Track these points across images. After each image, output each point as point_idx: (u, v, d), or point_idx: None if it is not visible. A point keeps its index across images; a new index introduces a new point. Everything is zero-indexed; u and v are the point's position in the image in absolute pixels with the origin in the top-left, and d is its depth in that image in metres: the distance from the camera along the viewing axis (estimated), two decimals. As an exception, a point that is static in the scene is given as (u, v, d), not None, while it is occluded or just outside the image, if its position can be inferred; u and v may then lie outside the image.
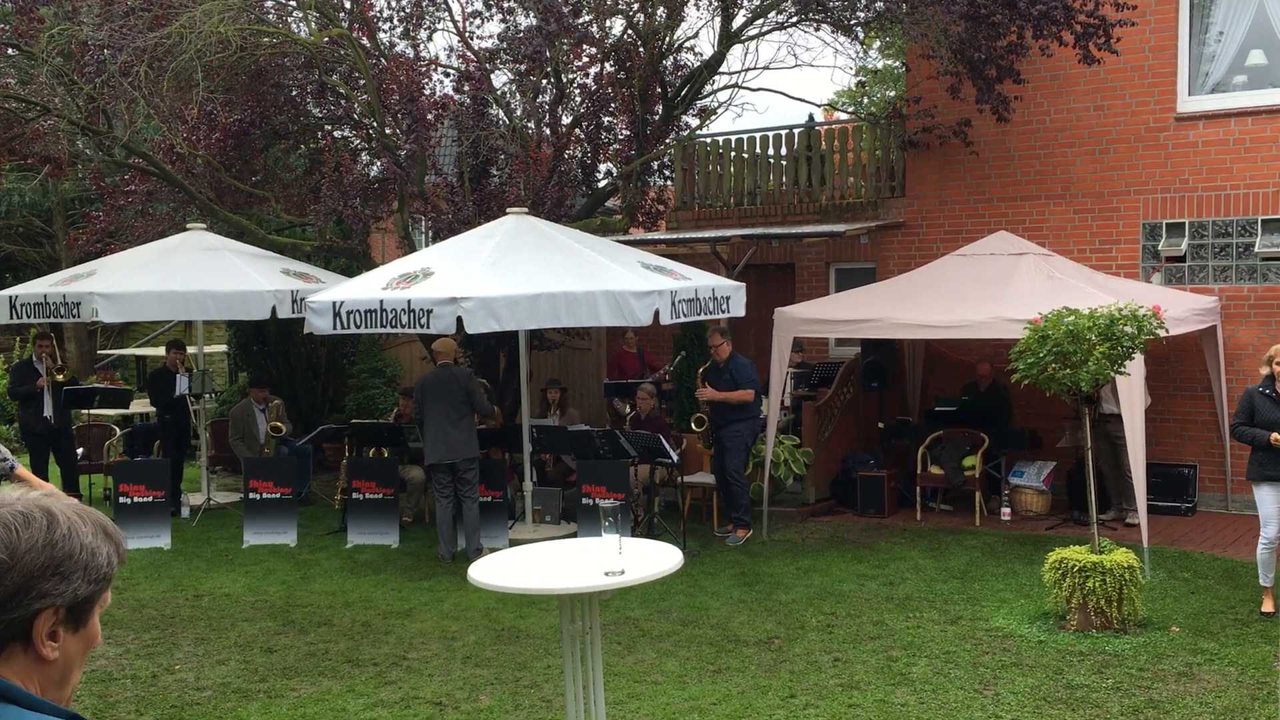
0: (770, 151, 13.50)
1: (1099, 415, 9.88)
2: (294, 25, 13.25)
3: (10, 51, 11.81)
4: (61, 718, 1.49)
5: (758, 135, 13.59)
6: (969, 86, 11.13)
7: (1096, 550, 7.29)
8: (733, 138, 13.81)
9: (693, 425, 10.33)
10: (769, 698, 6.24)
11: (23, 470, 5.98)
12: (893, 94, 25.52)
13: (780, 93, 13.54)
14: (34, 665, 1.53)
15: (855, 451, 11.75)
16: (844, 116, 22.25)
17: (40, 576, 1.51)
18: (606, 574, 4.37)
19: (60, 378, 11.40)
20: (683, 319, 9.65)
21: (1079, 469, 10.14)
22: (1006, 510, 10.77)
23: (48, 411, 11.35)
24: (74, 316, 10.83)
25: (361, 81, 12.12)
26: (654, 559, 4.64)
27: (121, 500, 10.21)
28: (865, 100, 25.49)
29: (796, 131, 13.39)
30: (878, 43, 19.81)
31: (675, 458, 10.05)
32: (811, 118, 15.27)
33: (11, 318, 11.29)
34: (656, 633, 7.44)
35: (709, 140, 13.94)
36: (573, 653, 4.84)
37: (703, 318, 10.02)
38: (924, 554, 9.52)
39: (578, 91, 13.10)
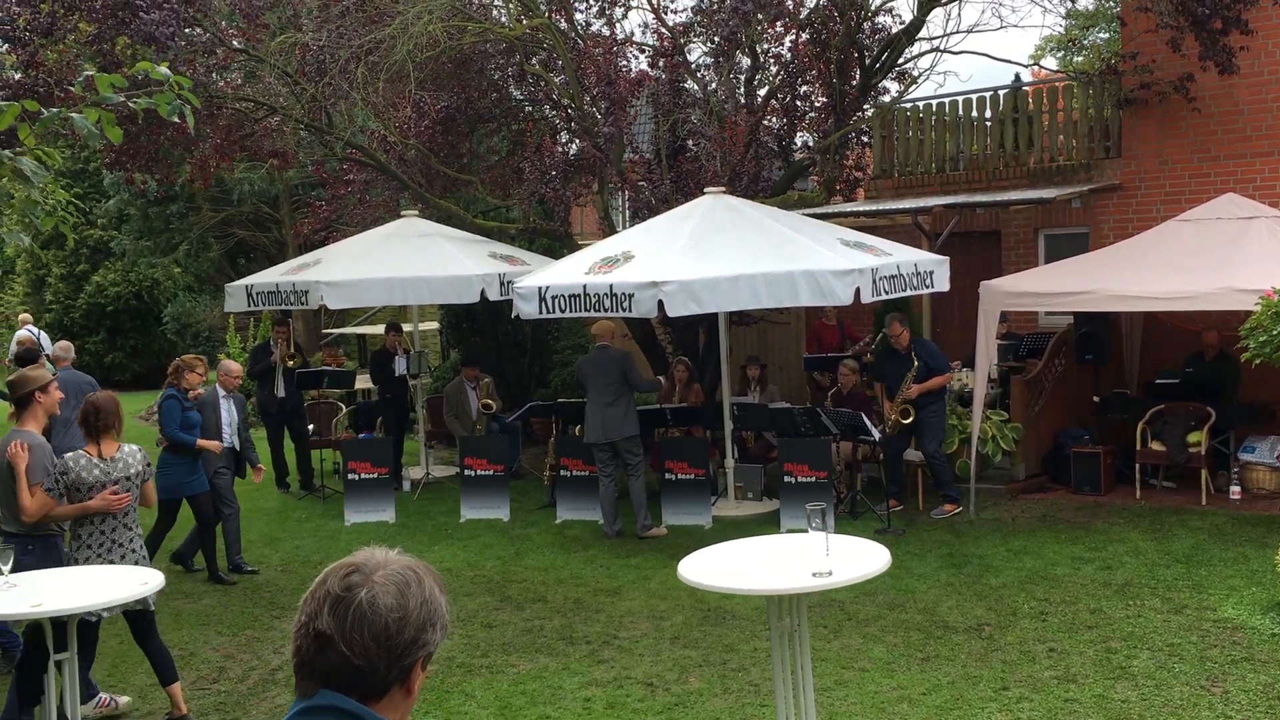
0: (973, 114, 13.05)
1: (1342, 389, 9.19)
2: (495, 12, 13.65)
3: (239, 56, 12.64)
4: None
5: (960, 98, 13.15)
6: (1191, 39, 10.45)
7: (1339, 540, 6.83)
8: (933, 102, 13.40)
9: (900, 420, 10.18)
10: (980, 689, 6.15)
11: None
12: (1105, 36, 24.13)
13: (984, 54, 13.01)
14: (402, 701, 1.81)
15: (1068, 426, 11.31)
16: (1052, 66, 21.21)
17: (423, 628, 1.80)
18: (814, 575, 4.41)
19: (290, 364, 12.22)
20: (884, 296, 9.51)
21: (1318, 446, 9.47)
22: (1236, 489, 10.17)
23: (281, 392, 12.20)
24: (303, 303, 11.59)
25: (559, 62, 12.40)
26: (862, 559, 4.65)
27: (350, 477, 10.90)
28: (1074, 45, 24.18)
29: (1002, 93, 12.88)
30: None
31: (878, 435, 9.96)
32: (1018, 77, 14.65)
33: (249, 305, 12.19)
34: (862, 616, 7.43)
35: (909, 106, 13.58)
36: (781, 645, 4.91)
37: (906, 294, 9.85)
38: (1144, 536, 9.12)
39: (773, 62, 13.00)
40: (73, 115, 3.46)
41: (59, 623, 5.11)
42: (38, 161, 3.80)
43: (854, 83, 12.70)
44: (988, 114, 12.93)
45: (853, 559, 4.64)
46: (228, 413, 9.08)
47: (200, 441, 8.58)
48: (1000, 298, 10.07)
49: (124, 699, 6.44)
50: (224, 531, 9.07)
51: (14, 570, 5.23)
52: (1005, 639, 6.91)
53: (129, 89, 3.86)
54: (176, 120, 3.62)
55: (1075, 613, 7.34)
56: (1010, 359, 11.94)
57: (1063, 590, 7.82)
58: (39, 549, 5.72)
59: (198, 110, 9.50)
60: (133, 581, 5.24)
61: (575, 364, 14.89)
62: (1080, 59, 22.34)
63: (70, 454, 5.73)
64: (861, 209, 12.58)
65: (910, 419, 10.09)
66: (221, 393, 9.08)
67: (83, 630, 5.36)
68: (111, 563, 5.75)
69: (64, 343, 11.56)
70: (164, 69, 3.44)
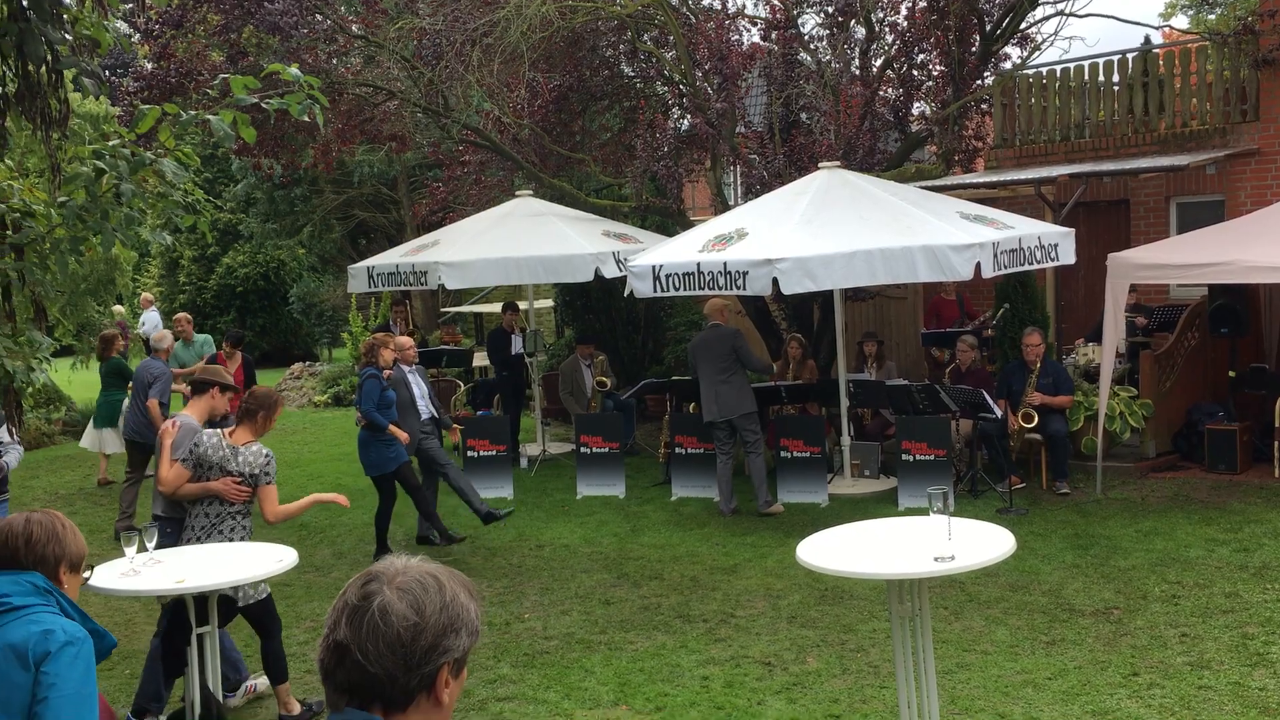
0: (1100, 79, 12.57)
1: None
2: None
3: (358, 42, 12.92)
4: None
5: (1086, 63, 12.68)
6: (1338, -7, 9.89)
7: None
8: (1058, 68, 12.96)
9: (1023, 423, 9.98)
10: (1109, 674, 6.00)
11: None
12: (1241, -7, 22.99)
13: (1111, 17, 12.46)
14: (432, 711, 1.79)
15: (1202, 402, 10.89)
16: (1183, 25, 20.30)
17: (443, 634, 1.77)
18: (936, 559, 4.35)
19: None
20: (1005, 270, 9.28)
21: None
22: (1385, 468, 9.68)
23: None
24: (422, 284, 11.84)
25: (671, 38, 12.36)
26: (986, 543, 4.56)
27: (470, 454, 11.13)
28: (1206, 3, 23.12)
29: (1131, 56, 12.38)
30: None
31: (999, 413, 9.74)
32: (1148, 39, 14.06)
33: (370, 286, 12.51)
34: (984, 598, 7.30)
35: (1031, 72, 13.16)
36: (901, 628, 4.86)
37: (1028, 268, 9.59)
38: (1284, 517, 8.75)
39: (888, 31, 12.73)
40: (210, 118, 3.61)
41: (201, 597, 5.35)
42: (178, 163, 3.97)
43: (973, 50, 12.35)
44: (1115, 78, 12.45)
45: (976, 543, 4.56)
46: (417, 385, 9.30)
47: (392, 427, 8.78)
48: (1130, 270, 9.71)
49: (263, 680, 6.53)
50: (454, 488, 9.33)
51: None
52: (1134, 623, 6.71)
53: (261, 88, 4.02)
54: (307, 119, 3.75)
55: (1209, 597, 7.09)
56: (1138, 333, 11.52)
57: (1196, 573, 7.56)
58: (175, 531, 5.99)
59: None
60: (269, 558, 5.45)
61: (688, 341, 14.96)
62: (1213, 17, 21.36)
63: (209, 430, 5.96)
64: (981, 180, 12.27)
65: (1033, 424, 9.91)
66: (405, 368, 9.28)
67: (224, 605, 5.60)
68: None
69: (162, 332, 11.48)
70: (294, 70, 3.56)
